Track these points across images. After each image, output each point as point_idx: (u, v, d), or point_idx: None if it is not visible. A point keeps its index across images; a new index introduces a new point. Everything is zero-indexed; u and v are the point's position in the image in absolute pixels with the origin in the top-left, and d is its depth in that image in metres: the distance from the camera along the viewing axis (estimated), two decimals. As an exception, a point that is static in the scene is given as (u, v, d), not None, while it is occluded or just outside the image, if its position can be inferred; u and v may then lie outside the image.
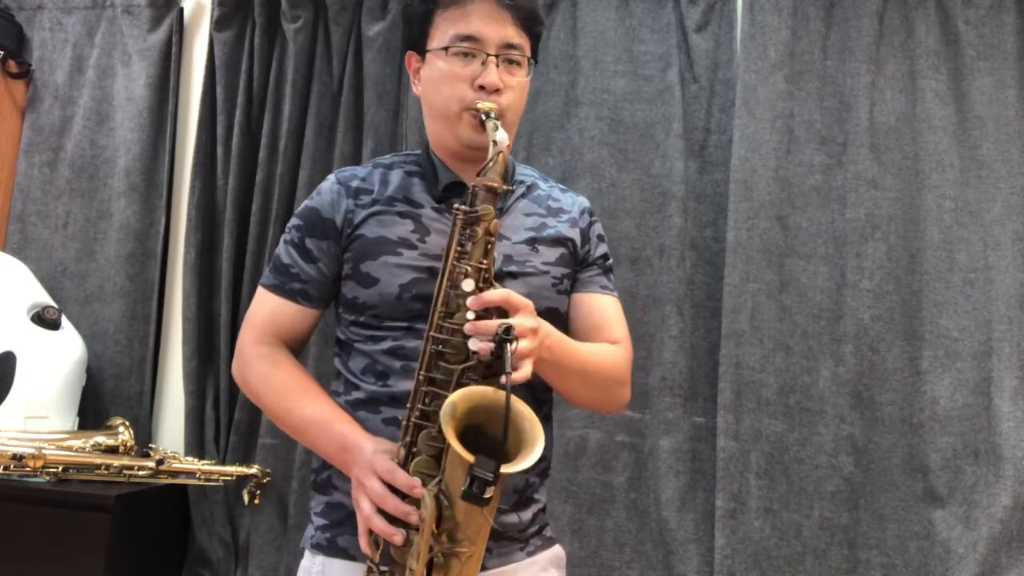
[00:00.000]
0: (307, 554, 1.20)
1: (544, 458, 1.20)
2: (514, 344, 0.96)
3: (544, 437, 0.97)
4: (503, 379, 0.93)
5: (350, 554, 1.14)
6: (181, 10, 2.50)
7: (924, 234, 2.11)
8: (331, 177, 1.26)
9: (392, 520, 1.00)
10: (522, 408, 0.99)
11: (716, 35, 2.25)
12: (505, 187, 1.10)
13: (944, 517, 2.01)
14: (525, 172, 1.32)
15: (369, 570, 1.04)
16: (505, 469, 0.92)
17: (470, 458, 0.91)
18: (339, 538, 1.16)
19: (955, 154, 2.13)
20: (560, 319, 1.22)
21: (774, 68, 2.18)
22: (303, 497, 2.20)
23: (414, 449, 1.03)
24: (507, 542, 1.17)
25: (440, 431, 0.97)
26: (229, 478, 2.19)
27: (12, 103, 2.55)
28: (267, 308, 1.22)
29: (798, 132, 2.19)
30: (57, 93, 2.55)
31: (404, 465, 1.03)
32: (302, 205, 1.25)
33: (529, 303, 1.04)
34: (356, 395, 1.17)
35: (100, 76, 2.52)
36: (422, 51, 1.22)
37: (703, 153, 2.24)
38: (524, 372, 0.99)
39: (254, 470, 2.21)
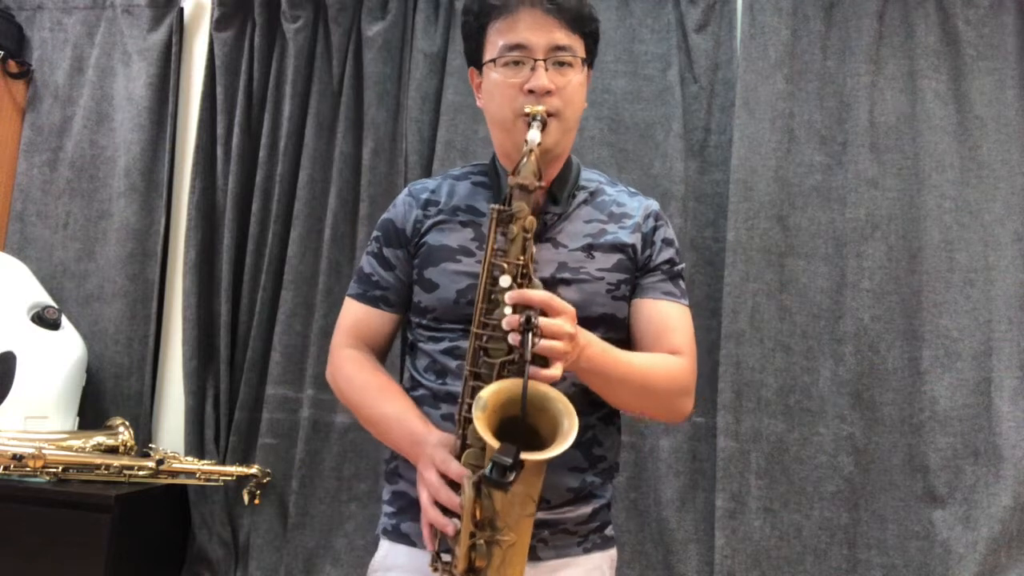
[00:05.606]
0: (380, 540, 1.27)
1: (604, 458, 1.23)
2: (536, 335, 0.98)
3: (576, 430, 0.98)
4: (526, 369, 0.96)
5: (411, 540, 1.20)
6: (181, 10, 2.49)
7: (924, 234, 2.11)
8: (405, 190, 1.33)
9: (448, 512, 1.04)
10: (558, 398, 1.01)
11: (716, 35, 2.25)
12: (538, 184, 1.10)
13: (944, 517, 2.01)
14: (591, 177, 1.32)
15: (433, 559, 1.08)
16: (526, 456, 0.93)
17: (495, 444, 0.94)
18: (402, 524, 1.22)
19: (955, 154, 2.13)
20: (618, 325, 1.23)
21: (774, 68, 2.18)
22: (303, 497, 2.21)
23: (467, 442, 1.07)
24: (564, 535, 1.19)
25: None
26: (229, 478, 2.19)
27: (12, 103, 2.55)
28: (352, 315, 1.30)
29: (798, 132, 2.19)
30: (57, 93, 2.55)
31: (458, 457, 1.07)
32: (380, 218, 1.33)
33: (571, 309, 1.05)
34: (420, 392, 1.23)
35: (100, 76, 2.52)
36: (479, 65, 1.25)
37: (703, 153, 2.24)
38: (554, 372, 1.00)
39: (254, 470, 2.21)
